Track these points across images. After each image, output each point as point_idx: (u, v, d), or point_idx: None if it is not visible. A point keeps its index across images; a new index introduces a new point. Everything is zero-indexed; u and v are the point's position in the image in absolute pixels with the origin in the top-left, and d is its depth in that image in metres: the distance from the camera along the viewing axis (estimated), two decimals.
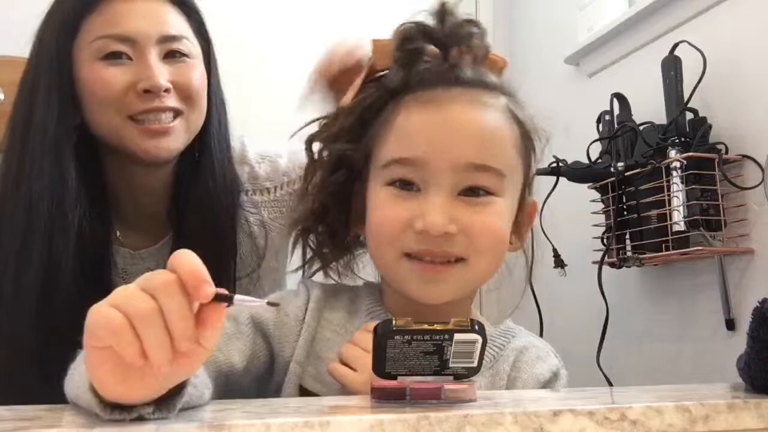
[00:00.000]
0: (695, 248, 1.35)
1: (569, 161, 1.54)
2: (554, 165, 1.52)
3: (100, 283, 0.94)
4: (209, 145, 1.02)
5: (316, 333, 0.75)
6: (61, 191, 0.93)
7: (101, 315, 0.43)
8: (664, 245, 1.39)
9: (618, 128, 1.52)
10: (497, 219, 0.69)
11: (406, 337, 0.52)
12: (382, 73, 0.75)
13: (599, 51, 1.85)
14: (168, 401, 0.46)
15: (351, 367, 0.67)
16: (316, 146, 0.78)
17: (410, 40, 0.71)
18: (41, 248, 0.90)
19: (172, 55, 0.98)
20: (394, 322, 0.51)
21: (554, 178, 1.53)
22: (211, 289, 0.43)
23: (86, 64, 0.96)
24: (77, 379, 0.49)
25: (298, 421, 0.43)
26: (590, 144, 1.56)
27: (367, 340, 0.65)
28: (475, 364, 0.54)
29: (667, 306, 1.56)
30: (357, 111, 0.73)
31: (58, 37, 0.97)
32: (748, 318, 0.60)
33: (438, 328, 0.52)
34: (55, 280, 0.90)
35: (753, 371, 0.60)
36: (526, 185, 0.75)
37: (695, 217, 1.34)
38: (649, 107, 1.52)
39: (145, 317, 0.42)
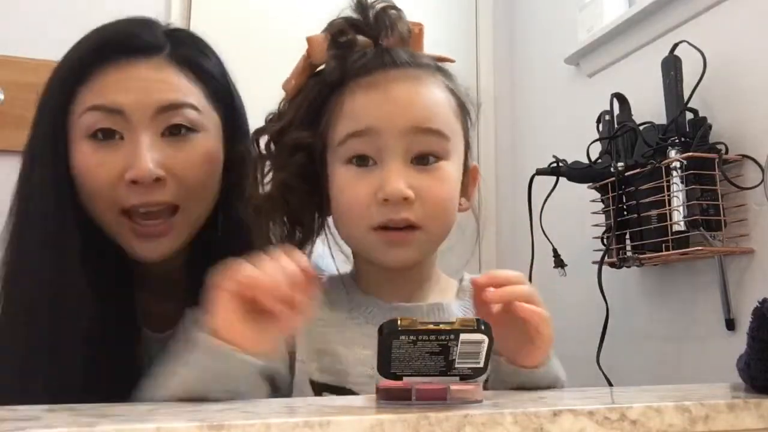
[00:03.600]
0: (695, 248, 1.35)
1: (569, 161, 1.54)
2: (554, 165, 1.52)
3: (127, 368, 0.82)
4: (231, 224, 0.85)
5: (309, 332, 0.76)
6: (62, 293, 0.81)
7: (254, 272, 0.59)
8: (664, 245, 1.39)
9: (618, 128, 1.52)
10: (446, 183, 0.76)
11: (411, 337, 0.51)
12: (320, 68, 0.80)
13: (599, 51, 1.85)
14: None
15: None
16: (262, 140, 0.82)
17: (342, 34, 0.77)
18: (47, 362, 0.79)
19: (172, 132, 0.83)
20: (399, 321, 0.51)
21: (554, 178, 1.53)
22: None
23: (76, 144, 0.83)
24: (190, 352, 0.60)
25: (298, 421, 0.43)
26: (590, 144, 1.56)
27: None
28: (481, 365, 0.53)
29: (667, 306, 1.56)
30: (303, 105, 0.79)
31: (53, 110, 0.85)
32: (748, 318, 0.60)
33: (444, 327, 0.51)
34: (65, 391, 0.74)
35: (753, 371, 0.60)
36: (467, 151, 0.82)
37: (695, 217, 1.34)
38: (649, 107, 1.52)
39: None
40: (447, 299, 0.81)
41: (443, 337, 0.51)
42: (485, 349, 0.52)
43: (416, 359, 0.52)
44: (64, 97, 0.83)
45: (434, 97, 0.77)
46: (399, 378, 0.53)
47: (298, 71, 0.81)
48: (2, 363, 0.81)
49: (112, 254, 0.86)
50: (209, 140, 0.86)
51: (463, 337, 0.51)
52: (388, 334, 0.51)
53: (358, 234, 0.76)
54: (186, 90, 0.85)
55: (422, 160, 0.75)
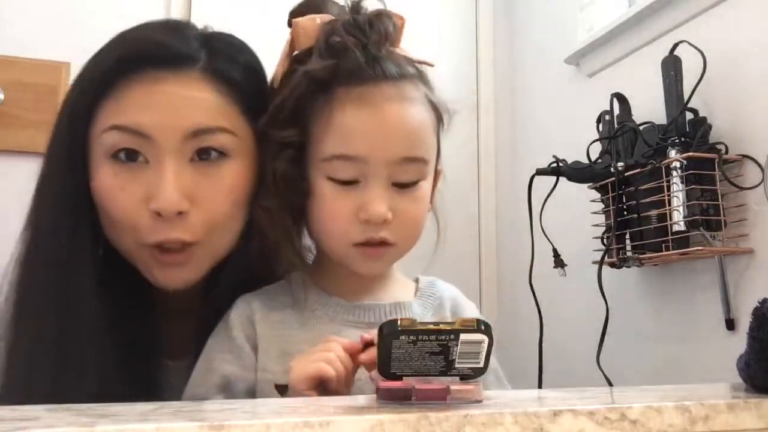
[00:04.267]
0: (695, 248, 1.35)
1: (569, 161, 1.54)
2: (554, 165, 1.52)
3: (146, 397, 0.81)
4: (256, 243, 0.80)
5: (273, 337, 0.77)
6: (72, 316, 0.75)
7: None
8: (664, 245, 1.39)
9: (618, 128, 1.52)
10: (422, 202, 0.79)
11: (411, 337, 0.51)
12: (297, 53, 0.80)
13: (599, 51, 1.85)
14: None
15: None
16: None
17: (335, 35, 0.77)
18: (58, 388, 0.73)
19: (202, 155, 0.76)
20: (399, 322, 0.51)
21: (554, 178, 1.53)
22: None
23: (97, 163, 0.76)
24: None
25: (298, 421, 0.43)
26: (590, 144, 1.56)
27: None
28: (481, 365, 0.53)
29: (667, 306, 1.56)
30: (290, 100, 0.78)
31: (73, 123, 0.78)
32: (748, 318, 0.60)
33: (444, 327, 0.51)
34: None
35: (753, 371, 0.60)
36: (438, 157, 0.84)
37: (695, 217, 1.34)
38: (649, 107, 1.52)
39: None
40: (407, 298, 0.83)
41: (443, 337, 0.51)
42: (485, 349, 0.52)
43: (416, 359, 0.52)
44: (86, 109, 0.77)
45: (421, 120, 0.78)
46: (399, 378, 0.53)
47: (284, 58, 0.81)
48: (11, 389, 0.76)
49: (130, 277, 0.81)
50: (242, 166, 0.79)
51: (463, 337, 0.51)
52: (388, 334, 0.51)
53: (337, 248, 0.79)
54: (220, 111, 0.77)
55: (403, 183, 0.77)
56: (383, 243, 0.77)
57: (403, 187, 0.77)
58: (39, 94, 1.89)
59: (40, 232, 0.79)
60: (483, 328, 0.52)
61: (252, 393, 0.75)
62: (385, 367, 0.53)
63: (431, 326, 0.51)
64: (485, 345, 0.52)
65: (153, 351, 0.83)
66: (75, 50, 1.95)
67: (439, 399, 0.52)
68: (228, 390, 0.75)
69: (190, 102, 0.76)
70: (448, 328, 0.51)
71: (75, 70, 1.83)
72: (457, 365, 0.53)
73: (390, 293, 0.83)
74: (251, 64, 0.83)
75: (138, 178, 0.75)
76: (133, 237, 0.77)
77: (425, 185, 0.79)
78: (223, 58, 0.80)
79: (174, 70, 0.76)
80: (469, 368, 0.53)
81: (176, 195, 0.74)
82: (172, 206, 0.73)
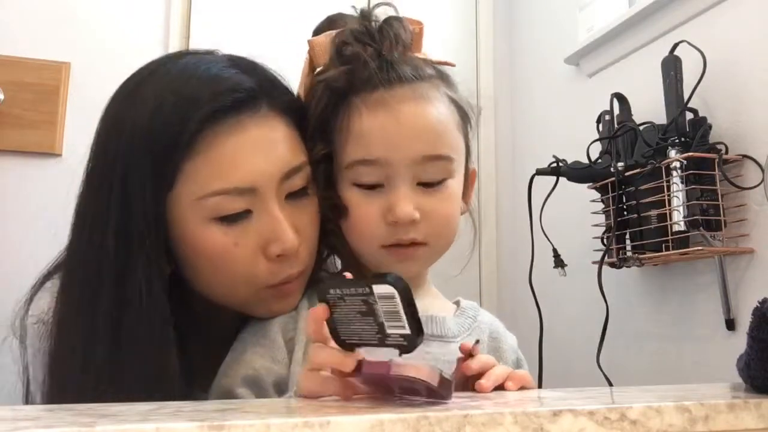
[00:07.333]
0: (695, 248, 1.35)
1: (569, 161, 1.54)
2: (554, 165, 1.52)
3: None
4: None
5: (303, 333, 0.78)
6: (167, 378, 0.73)
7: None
8: (664, 245, 1.39)
9: (618, 128, 1.52)
10: (451, 201, 0.79)
11: (337, 291, 0.54)
12: (320, 69, 0.81)
13: (599, 51, 1.85)
14: None
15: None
16: None
17: (347, 45, 0.78)
18: None
19: (297, 194, 0.79)
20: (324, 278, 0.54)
21: (554, 178, 1.53)
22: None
23: (195, 225, 0.75)
24: None
25: (298, 421, 0.43)
26: (590, 144, 1.56)
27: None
28: (407, 329, 0.52)
29: (667, 306, 1.56)
30: (314, 116, 0.80)
31: (150, 181, 0.74)
32: (748, 318, 0.60)
33: (356, 276, 0.54)
34: None
35: (753, 371, 0.60)
36: (468, 156, 0.84)
37: (695, 217, 1.34)
38: (649, 107, 1.52)
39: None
40: (444, 314, 0.82)
41: (361, 290, 0.53)
42: (401, 306, 0.51)
43: (354, 322, 0.54)
44: (168, 171, 0.73)
45: (441, 117, 0.77)
46: (351, 348, 0.56)
47: (305, 74, 0.82)
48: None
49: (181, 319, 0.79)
50: (314, 192, 0.81)
51: (376, 290, 0.52)
52: (319, 291, 0.56)
53: (368, 250, 0.79)
54: (297, 145, 0.79)
55: (429, 182, 0.77)
56: (414, 243, 0.77)
57: (429, 186, 0.77)
58: (39, 94, 1.89)
59: (133, 305, 0.74)
60: (391, 280, 0.51)
61: (281, 387, 0.75)
62: (334, 333, 0.56)
63: (347, 275, 0.55)
64: (398, 301, 0.51)
65: (186, 382, 0.81)
66: (75, 50, 1.97)
67: (383, 370, 0.52)
68: (255, 384, 0.74)
69: (276, 143, 0.77)
70: (358, 276, 0.54)
71: (75, 70, 1.86)
72: (387, 330, 0.53)
73: (427, 306, 0.81)
74: (288, 85, 0.83)
75: (247, 230, 0.76)
76: (250, 284, 0.77)
77: (453, 184, 0.79)
78: (271, 86, 0.80)
79: (249, 112, 0.76)
80: (399, 335, 0.53)
81: (293, 234, 0.76)
82: (294, 245, 0.77)
